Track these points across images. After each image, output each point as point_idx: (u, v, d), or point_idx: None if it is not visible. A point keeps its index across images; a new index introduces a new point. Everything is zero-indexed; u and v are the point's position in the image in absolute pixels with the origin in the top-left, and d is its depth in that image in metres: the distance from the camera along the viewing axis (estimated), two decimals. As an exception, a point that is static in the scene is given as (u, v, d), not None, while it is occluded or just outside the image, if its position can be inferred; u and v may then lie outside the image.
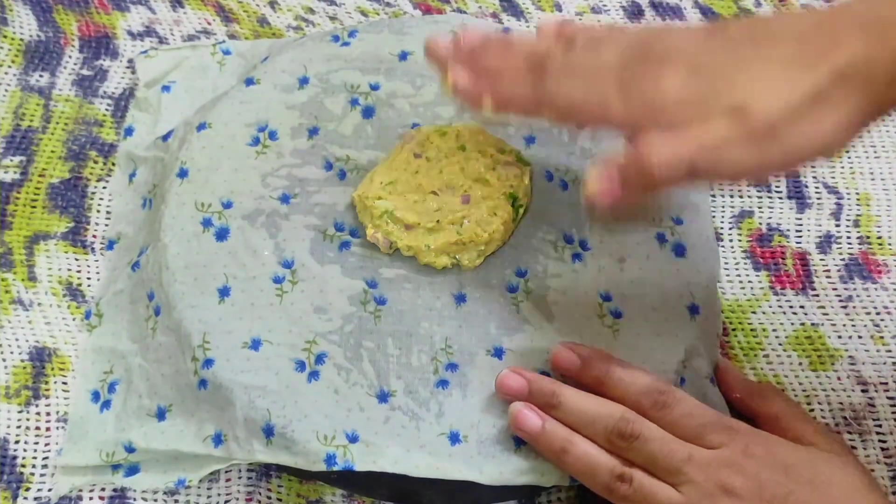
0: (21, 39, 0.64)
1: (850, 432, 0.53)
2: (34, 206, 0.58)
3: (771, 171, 0.42)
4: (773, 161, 0.41)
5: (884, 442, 0.53)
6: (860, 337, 0.56)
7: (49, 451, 0.51)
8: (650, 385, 0.46)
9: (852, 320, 0.56)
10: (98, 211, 0.58)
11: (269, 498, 0.50)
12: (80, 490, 0.50)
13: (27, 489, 0.50)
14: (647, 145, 0.42)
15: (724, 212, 0.60)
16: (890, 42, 0.40)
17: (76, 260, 0.56)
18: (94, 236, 0.57)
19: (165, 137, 0.58)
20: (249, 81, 0.58)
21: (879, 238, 0.59)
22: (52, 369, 0.53)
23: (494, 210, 0.52)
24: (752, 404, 0.50)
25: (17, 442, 0.51)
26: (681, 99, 0.42)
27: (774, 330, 0.56)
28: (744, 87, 0.41)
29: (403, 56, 0.59)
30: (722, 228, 0.59)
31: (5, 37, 0.64)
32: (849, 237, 0.59)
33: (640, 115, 0.43)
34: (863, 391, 0.54)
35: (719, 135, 0.41)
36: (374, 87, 0.58)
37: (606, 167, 0.42)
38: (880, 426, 0.53)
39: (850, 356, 0.55)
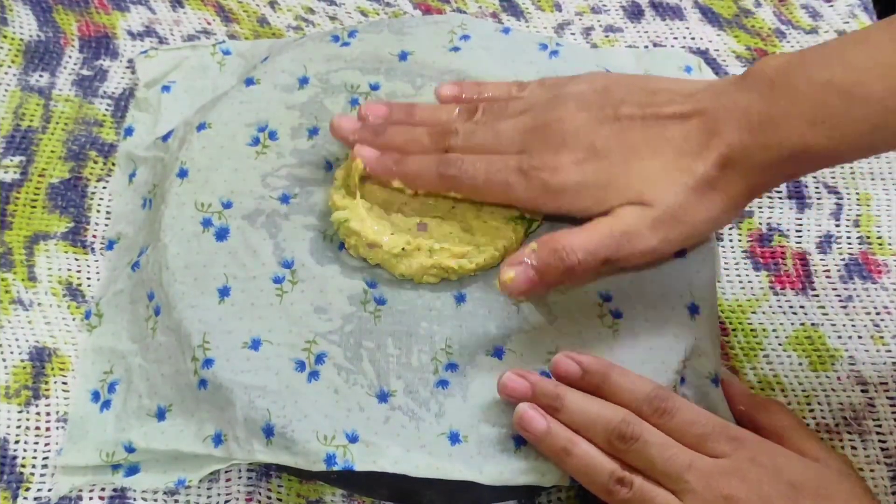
0: (21, 39, 0.64)
1: (849, 432, 0.53)
2: (34, 206, 0.58)
3: (672, 250, 0.48)
4: (674, 241, 0.47)
5: (883, 442, 0.53)
6: (860, 337, 0.56)
7: (49, 451, 0.51)
8: (651, 392, 0.46)
9: (852, 320, 0.56)
10: (98, 211, 0.58)
11: (269, 498, 0.50)
12: (80, 490, 0.50)
13: (27, 489, 0.50)
14: (562, 241, 0.46)
15: (724, 212, 0.60)
16: (761, 137, 0.45)
17: (76, 260, 0.57)
18: (94, 236, 0.57)
19: (165, 137, 0.58)
20: (249, 81, 0.58)
21: (879, 238, 0.59)
22: (52, 369, 0.53)
23: (496, 236, 0.51)
24: (756, 417, 0.50)
25: (17, 442, 0.51)
26: (579, 183, 0.47)
27: (774, 330, 0.56)
28: (642, 178, 0.47)
29: (403, 56, 0.59)
30: (722, 228, 0.59)
31: (5, 37, 0.64)
32: (849, 237, 0.59)
33: (541, 198, 0.48)
34: (863, 391, 0.54)
35: (626, 225, 0.46)
36: (374, 87, 0.58)
37: (523, 265, 0.46)
38: (880, 426, 0.53)
39: (850, 356, 0.55)
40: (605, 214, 0.47)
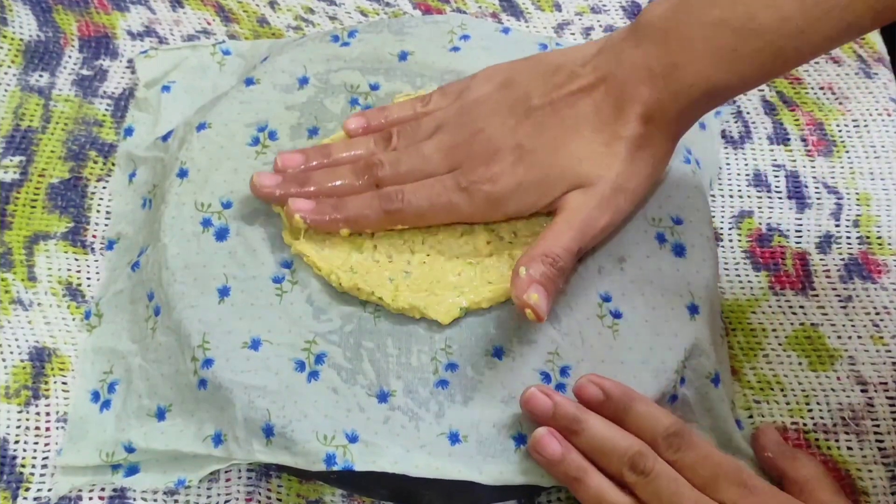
0: (21, 39, 0.64)
1: (846, 432, 0.53)
2: (34, 206, 0.58)
3: (625, 216, 0.50)
4: (624, 209, 0.50)
5: (881, 442, 0.53)
6: (860, 337, 0.56)
7: (49, 451, 0.51)
8: (670, 426, 0.46)
9: (852, 320, 0.56)
10: (98, 211, 0.58)
11: (269, 498, 0.50)
12: (80, 490, 0.50)
13: (27, 489, 0.50)
14: (542, 251, 0.47)
15: (723, 212, 0.60)
16: (669, 87, 0.47)
17: (76, 260, 0.57)
18: (94, 236, 0.57)
19: (165, 137, 0.58)
20: (249, 81, 0.58)
21: (879, 238, 0.59)
22: (52, 369, 0.53)
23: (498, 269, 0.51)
24: (782, 465, 0.49)
25: (16, 442, 0.51)
26: (519, 185, 0.49)
27: (774, 330, 0.56)
28: (574, 162, 0.49)
29: (403, 56, 0.59)
30: (722, 228, 0.59)
31: (5, 37, 0.64)
32: (848, 237, 0.59)
33: (486, 209, 0.50)
34: (862, 391, 0.54)
35: (579, 213, 0.48)
36: (374, 87, 0.58)
37: (533, 286, 0.46)
38: (878, 426, 0.53)
39: (849, 356, 0.55)
40: (550, 207, 0.49)
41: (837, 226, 0.59)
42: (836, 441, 0.53)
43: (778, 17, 0.45)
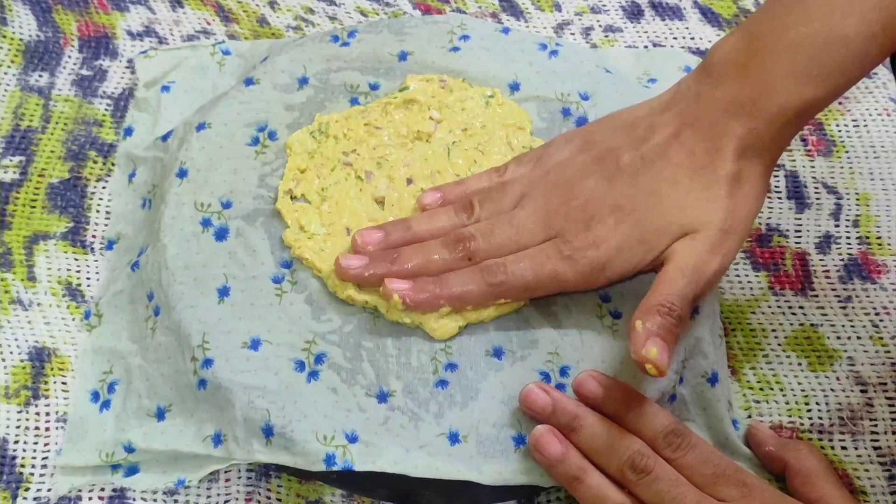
0: (21, 39, 0.64)
1: (842, 432, 0.53)
2: (34, 206, 0.58)
3: (734, 257, 0.48)
4: (733, 251, 0.47)
5: (875, 441, 0.53)
6: (859, 337, 0.56)
7: (48, 451, 0.51)
8: (669, 426, 0.46)
9: (851, 321, 0.56)
10: (98, 211, 0.58)
11: (269, 498, 0.50)
12: (80, 490, 0.50)
13: (26, 489, 0.50)
14: (658, 301, 0.45)
15: (723, 212, 0.59)
16: (762, 114, 0.46)
17: (76, 260, 0.57)
18: (94, 236, 0.57)
19: (165, 137, 0.58)
20: (249, 81, 0.58)
21: (879, 238, 0.59)
22: (52, 369, 0.53)
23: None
24: (785, 456, 0.49)
25: (16, 442, 0.51)
26: (622, 247, 0.47)
27: (773, 330, 0.56)
28: (676, 212, 0.47)
29: (403, 56, 0.59)
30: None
31: (5, 37, 0.64)
32: (848, 237, 0.59)
33: (592, 275, 0.48)
34: (861, 391, 0.54)
35: (689, 260, 0.46)
36: (374, 87, 0.58)
37: (650, 339, 0.44)
38: (876, 426, 0.53)
39: (848, 357, 0.55)
40: (656, 262, 0.47)
41: (837, 226, 0.59)
42: (831, 441, 0.53)
43: (860, 22, 0.45)
